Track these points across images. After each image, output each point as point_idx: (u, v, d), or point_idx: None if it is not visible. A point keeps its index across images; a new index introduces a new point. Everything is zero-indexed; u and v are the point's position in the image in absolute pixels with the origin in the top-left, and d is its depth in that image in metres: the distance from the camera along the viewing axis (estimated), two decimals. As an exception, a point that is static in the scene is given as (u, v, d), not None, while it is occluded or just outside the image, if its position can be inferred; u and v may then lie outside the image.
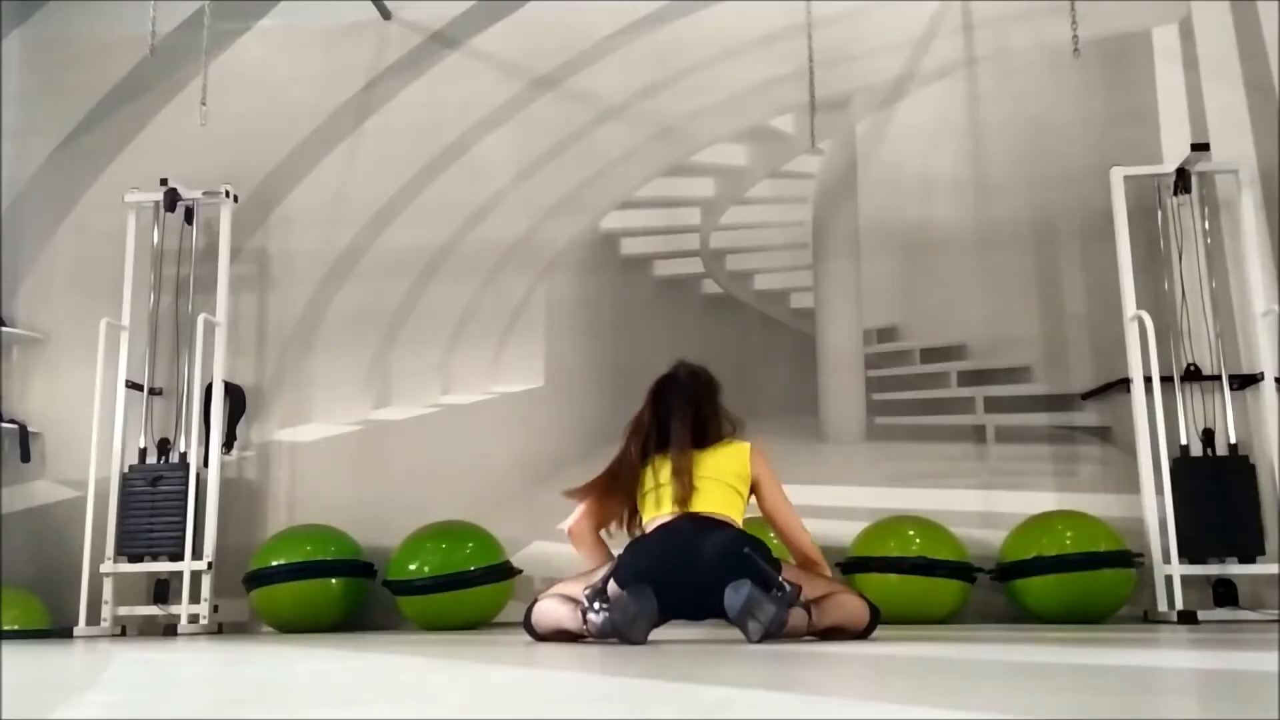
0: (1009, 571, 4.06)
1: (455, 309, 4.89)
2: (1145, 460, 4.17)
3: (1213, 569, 4.08)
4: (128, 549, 4.38)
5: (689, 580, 2.74)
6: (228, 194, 4.74)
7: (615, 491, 3.07)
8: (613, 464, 3.10)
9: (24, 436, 4.76)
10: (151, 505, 4.40)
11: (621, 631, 2.59)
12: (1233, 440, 4.23)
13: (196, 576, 4.30)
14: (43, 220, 5.06)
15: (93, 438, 4.38)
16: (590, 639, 2.71)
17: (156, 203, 4.71)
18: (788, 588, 2.60)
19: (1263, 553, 4.04)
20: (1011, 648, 2.31)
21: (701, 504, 2.92)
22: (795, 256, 4.80)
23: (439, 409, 4.84)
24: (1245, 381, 4.30)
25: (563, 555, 4.56)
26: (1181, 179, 4.36)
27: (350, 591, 4.30)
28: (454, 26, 5.10)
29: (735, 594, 2.57)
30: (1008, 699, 1.34)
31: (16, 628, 4.19)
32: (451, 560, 4.16)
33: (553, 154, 4.93)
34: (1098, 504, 4.30)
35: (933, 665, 1.93)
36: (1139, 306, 4.22)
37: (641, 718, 1.21)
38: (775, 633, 2.55)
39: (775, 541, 3.25)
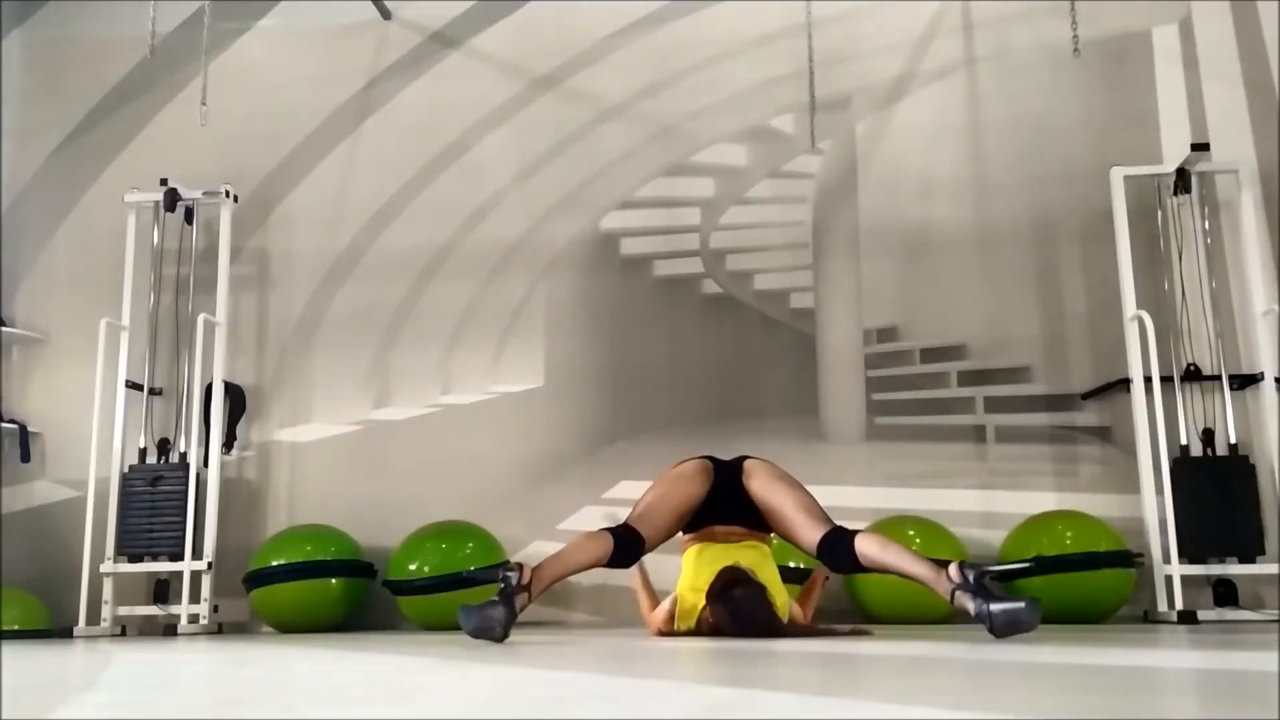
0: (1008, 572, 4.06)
1: (455, 309, 4.89)
2: (1145, 460, 4.17)
3: (1213, 569, 4.08)
4: (128, 549, 4.38)
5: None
6: (228, 194, 4.74)
7: None
8: None
9: (24, 436, 4.76)
10: (151, 505, 4.40)
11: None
12: (1233, 440, 4.23)
13: (196, 576, 4.30)
14: (43, 220, 5.06)
15: (93, 438, 4.38)
16: None
17: (156, 203, 4.71)
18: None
19: (1263, 553, 4.04)
20: (1012, 648, 2.31)
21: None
22: (795, 256, 4.80)
23: (439, 409, 4.84)
24: (1245, 381, 4.30)
25: (563, 555, 4.57)
26: (1181, 179, 4.36)
27: (350, 591, 4.30)
28: (454, 26, 5.10)
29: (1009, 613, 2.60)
30: (1008, 699, 1.34)
31: (16, 628, 4.18)
32: (451, 560, 4.15)
33: (553, 154, 4.93)
34: (1098, 504, 4.30)
35: (933, 665, 1.93)
36: (1139, 306, 4.22)
37: (641, 718, 1.21)
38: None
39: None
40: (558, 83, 5.00)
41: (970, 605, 2.63)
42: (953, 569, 2.72)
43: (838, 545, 2.93)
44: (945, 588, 2.71)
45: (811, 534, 3.01)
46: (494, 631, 2.71)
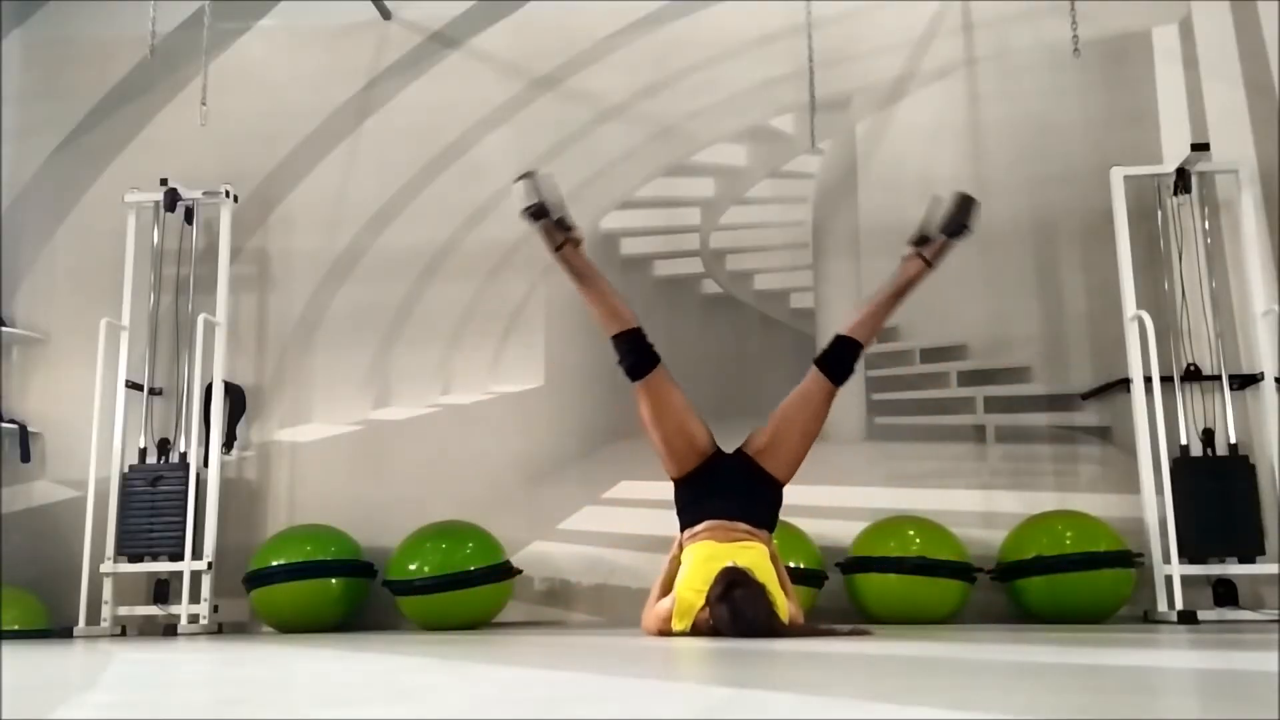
0: (1009, 571, 4.06)
1: (455, 309, 4.88)
2: (1145, 460, 4.17)
3: (1213, 569, 4.08)
4: (128, 549, 4.38)
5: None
6: (228, 194, 4.75)
7: None
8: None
9: (24, 436, 4.76)
10: (151, 505, 4.40)
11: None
12: (1233, 440, 4.23)
13: (196, 576, 4.30)
14: (43, 220, 5.06)
15: (93, 438, 4.38)
16: None
17: (156, 203, 4.71)
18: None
19: (1263, 553, 4.04)
20: (1011, 648, 2.31)
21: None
22: (795, 256, 4.80)
23: (439, 409, 4.83)
24: (1245, 381, 4.30)
25: (563, 554, 4.57)
26: (1181, 179, 4.36)
27: (350, 591, 4.30)
28: (454, 26, 5.09)
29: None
30: (1008, 699, 1.34)
31: (16, 628, 4.18)
32: (451, 560, 4.15)
33: (553, 154, 4.93)
34: (1098, 504, 4.30)
35: (933, 665, 1.93)
36: (1139, 306, 4.22)
37: (641, 718, 1.21)
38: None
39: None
40: (558, 83, 5.00)
41: (932, 244, 3.35)
42: (907, 249, 3.39)
43: (829, 350, 3.40)
44: (916, 264, 3.37)
45: (808, 379, 3.40)
46: (540, 198, 3.15)
